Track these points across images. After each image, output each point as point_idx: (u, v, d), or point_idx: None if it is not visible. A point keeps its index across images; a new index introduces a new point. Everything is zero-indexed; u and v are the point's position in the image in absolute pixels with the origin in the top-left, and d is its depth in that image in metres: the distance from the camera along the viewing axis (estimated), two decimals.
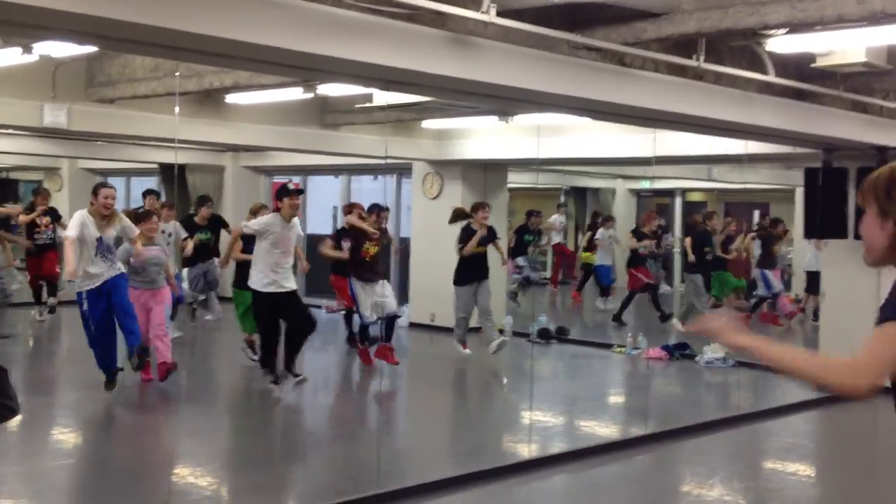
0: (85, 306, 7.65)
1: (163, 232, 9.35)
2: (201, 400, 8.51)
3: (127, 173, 16.52)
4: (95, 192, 7.67)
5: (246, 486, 5.87)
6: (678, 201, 17.98)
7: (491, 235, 10.30)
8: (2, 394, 3.31)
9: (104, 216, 7.57)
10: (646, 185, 17.85)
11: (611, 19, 5.61)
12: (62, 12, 3.80)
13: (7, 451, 6.37)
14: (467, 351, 10.31)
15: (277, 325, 8.29)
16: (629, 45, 5.65)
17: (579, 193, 18.60)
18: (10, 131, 11.49)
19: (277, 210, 8.19)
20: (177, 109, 7.71)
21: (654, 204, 19.07)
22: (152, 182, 15.62)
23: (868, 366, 2.04)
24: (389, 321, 9.47)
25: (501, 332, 11.11)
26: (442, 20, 5.06)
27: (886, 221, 2.13)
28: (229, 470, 6.41)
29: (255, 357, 9.00)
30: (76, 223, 7.52)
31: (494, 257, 10.49)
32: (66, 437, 7.16)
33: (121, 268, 7.78)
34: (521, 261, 14.20)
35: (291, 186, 8.24)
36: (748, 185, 14.89)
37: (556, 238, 16.24)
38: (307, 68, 5.35)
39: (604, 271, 14.58)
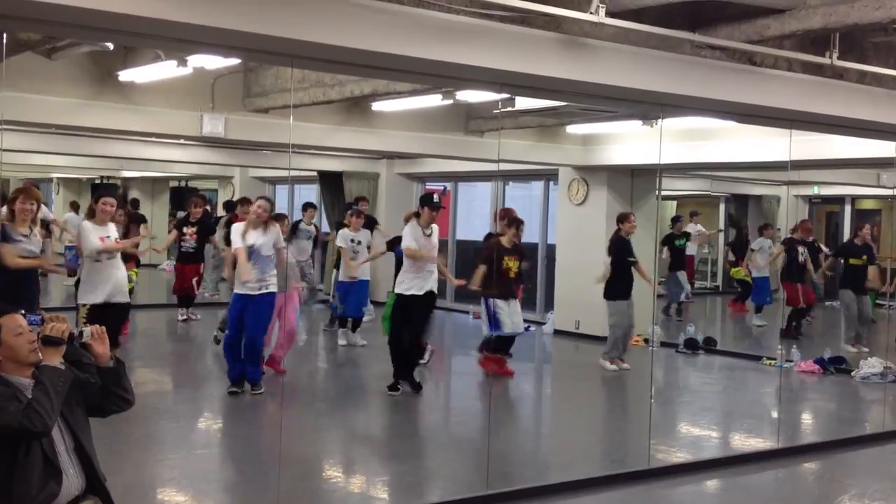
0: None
1: (352, 241, 10.19)
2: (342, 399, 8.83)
3: (291, 181, 17.41)
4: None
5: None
6: (847, 209, 17.07)
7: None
8: (120, 386, 3.61)
9: (257, 224, 7.91)
10: (815, 190, 16.95)
11: (733, 17, 5.47)
12: (209, 27, 4.10)
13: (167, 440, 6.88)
14: (614, 367, 9.99)
15: (412, 329, 8.50)
16: (753, 42, 5.48)
17: (740, 201, 17.95)
18: (181, 141, 12.37)
19: (417, 215, 8.45)
20: (291, 119, 8.21)
21: (822, 212, 18.18)
22: (314, 189, 16.39)
23: None
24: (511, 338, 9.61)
25: (647, 341, 10.96)
26: (556, 23, 5.08)
27: None
28: (367, 463, 6.66)
29: None
30: (236, 233, 7.95)
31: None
32: (207, 428, 7.62)
33: (272, 287, 7.92)
34: (681, 277, 13.61)
35: (436, 199, 8.51)
36: None
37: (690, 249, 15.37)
38: (432, 74, 5.48)
39: (759, 284, 13.36)
